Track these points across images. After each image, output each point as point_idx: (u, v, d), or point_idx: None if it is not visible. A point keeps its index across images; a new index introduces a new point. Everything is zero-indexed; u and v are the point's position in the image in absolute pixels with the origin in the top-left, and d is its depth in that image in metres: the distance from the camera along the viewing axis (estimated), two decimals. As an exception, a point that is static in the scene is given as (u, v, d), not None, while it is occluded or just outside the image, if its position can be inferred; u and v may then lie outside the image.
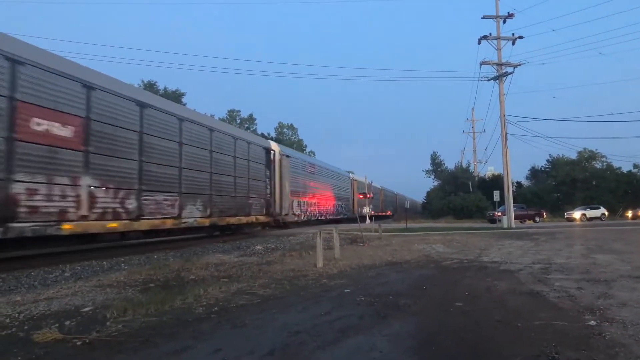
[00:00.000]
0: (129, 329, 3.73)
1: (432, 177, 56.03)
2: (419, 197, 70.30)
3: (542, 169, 52.03)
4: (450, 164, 55.72)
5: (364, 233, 15.19)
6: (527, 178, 53.84)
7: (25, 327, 3.82)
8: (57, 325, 3.85)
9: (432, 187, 55.60)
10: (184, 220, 12.16)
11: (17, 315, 4.29)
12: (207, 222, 13.41)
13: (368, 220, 27.55)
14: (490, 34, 24.67)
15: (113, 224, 9.57)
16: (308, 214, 23.72)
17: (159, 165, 11.25)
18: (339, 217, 30.60)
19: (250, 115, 55.64)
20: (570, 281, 5.86)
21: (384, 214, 45.88)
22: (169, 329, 3.71)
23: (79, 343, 3.34)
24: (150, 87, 38.41)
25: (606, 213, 34.27)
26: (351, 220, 30.78)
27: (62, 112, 8.40)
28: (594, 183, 44.54)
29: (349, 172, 36.27)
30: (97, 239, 9.69)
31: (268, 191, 18.14)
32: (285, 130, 59.72)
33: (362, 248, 11.33)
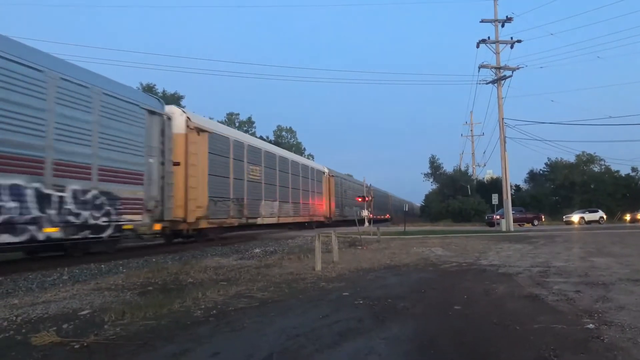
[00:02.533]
0: (127, 332, 3.71)
1: (431, 180, 55.85)
2: (418, 200, 70.17)
3: (541, 172, 52.13)
4: (448, 167, 55.50)
5: (362, 236, 15.18)
6: (525, 181, 53.93)
7: (23, 330, 3.80)
8: (54, 328, 3.83)
9: (431, 190, 55.47)
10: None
11: (14, 318, 4.27)
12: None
13: (367, 223, 27.56)
14: (489, 37, 24.78)
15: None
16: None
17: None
18: None
19: (249, 118, 55.78)
20: (568, 284, 5.86)
21: (382, 217, 45.86)
22: (168, 332, 3.70)
23: (76, 346, 3.33)
24: (148, 89, 38.38)
25: (604, 216, 34.35)
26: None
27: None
28: (592, 186, 44.56)
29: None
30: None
31: None
32: (284, 133, 59.81)
33: (360, 251, 11.32)
